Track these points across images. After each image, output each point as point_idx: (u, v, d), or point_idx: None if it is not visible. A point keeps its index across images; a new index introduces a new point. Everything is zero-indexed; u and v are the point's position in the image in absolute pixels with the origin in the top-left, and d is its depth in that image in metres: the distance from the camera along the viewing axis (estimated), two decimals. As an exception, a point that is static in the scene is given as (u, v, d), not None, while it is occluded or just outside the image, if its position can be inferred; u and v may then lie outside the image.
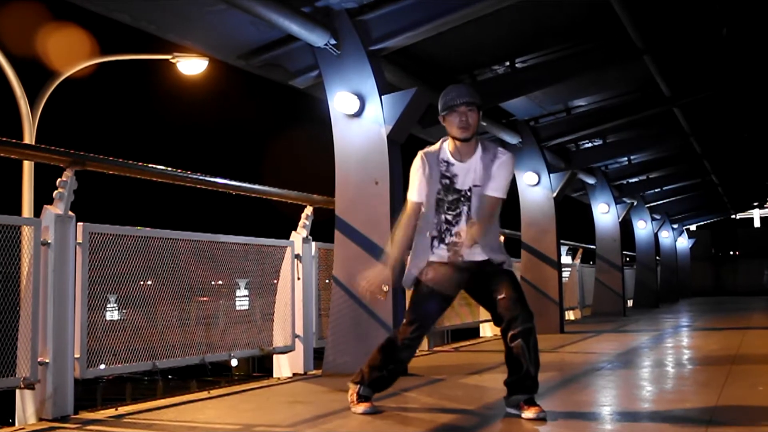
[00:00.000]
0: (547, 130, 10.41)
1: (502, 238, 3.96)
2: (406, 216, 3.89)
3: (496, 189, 3.78)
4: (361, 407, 3.96)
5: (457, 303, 8.87)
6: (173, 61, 11.19)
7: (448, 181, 3.81)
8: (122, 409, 4.21)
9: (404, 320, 3.97)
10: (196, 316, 5.04)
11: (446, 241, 3.82)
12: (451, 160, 3.81)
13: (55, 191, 4.03)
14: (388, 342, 4.03)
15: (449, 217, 3.81)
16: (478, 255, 3.82)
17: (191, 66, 11.26)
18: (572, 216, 16.37)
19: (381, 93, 5.64)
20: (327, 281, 6.17)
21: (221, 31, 5.93)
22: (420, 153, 3.89)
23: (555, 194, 10.23)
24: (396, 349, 3.95)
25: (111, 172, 4.58)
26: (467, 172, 3.78)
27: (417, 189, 3.86)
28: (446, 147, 3.85)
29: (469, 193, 3.78)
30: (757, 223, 38.79)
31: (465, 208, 3.78)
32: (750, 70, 9.53)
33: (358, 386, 4.01)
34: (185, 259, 4.90)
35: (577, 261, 14.34)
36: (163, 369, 4.77)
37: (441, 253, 3.85)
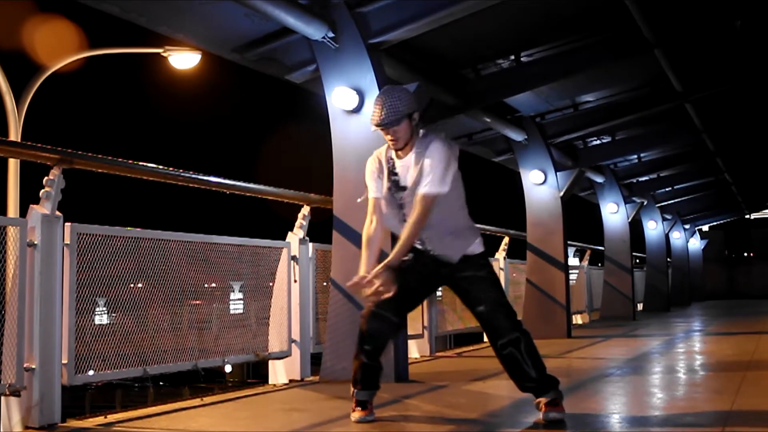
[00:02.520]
0: (553, 127, 10.41)
1: (470, 224, 3.93)
2: (368, 214, 3.97)
3: (425, 185, 3.77)
4: (355, 415, 3.96)
5: (459, 307, 8.88)
6: (165, 54, 11.18)
7: (396, 178, 3.88)
8: (112, 417, 4.21)
9: None
10: (188, 320, 5.04)
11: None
12: (394, 156, 3.91)
13: (42, 190, 4.02)
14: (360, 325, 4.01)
15: (405, 213, 3.84)
16: (438, 250, 3.84)
17: (183, 60, 11.24)
18: (580, 216, 16.37)
19: (381, 88, 5.62)
20: (325, 284, 6.17)
21: (214, 23, 5.93)
22: (375, 152, 4.00)
23: (562, 193, 10.23)
24: (364, 323, 3.95)
25: (100, 171, 4.58)
26: (407, 169, 3.85)
27: (374, 185, 3.94)
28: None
29: (409, 189, 3.82)
30: (772, 224, 38.78)
31: (409, 203, 3.83)
32: (765, 63, 9.53)
33: (353, 389, 4.03)
34: (177, 260, 4.90)
35: (585, 263, 14.33)
36: (155, 375, 4.77)
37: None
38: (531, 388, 3.84)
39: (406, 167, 3.85)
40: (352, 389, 4.03)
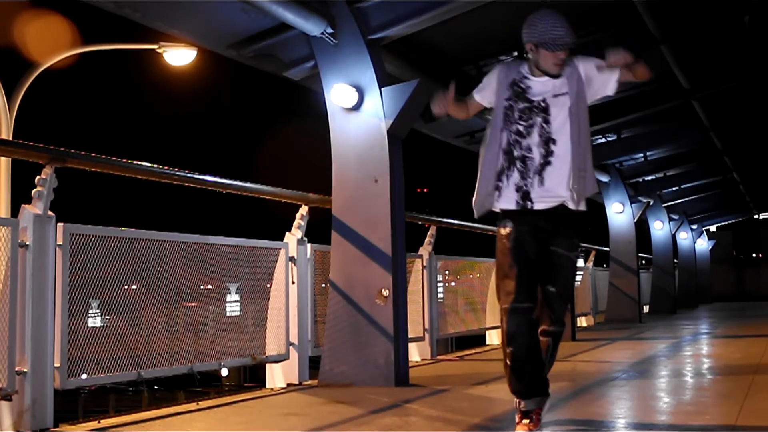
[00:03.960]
0: None
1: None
2: (466, 103, 4.06)
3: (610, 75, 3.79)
4: (521, 427, 3.62)
5: (461, 309, 8.89)
6: (160, 51, 11.18)
7: (519, 89, 3.77)
8: (105, 422, 4.21)
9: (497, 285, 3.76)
10: (183, 323, 5.05)
11: (515, 156, 3.70)
12: (527, 74, 3.79)
13: (34, 190, 4.02)
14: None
15: (520, 128, 3.72)
16: (550, 191, 3.65)
17: (179, 56, 11.24)
18: (584, 216, 16.33)
19: (381, 85, 5.64)
20: (323, 285, 6.17)
21: (210, 18, 5.93)
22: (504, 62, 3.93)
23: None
24: (505, 324, 3.64)
25: (93, 170, 4.58)
26: (543, 85, 3.75)
27: (482, 87, 3.94)
28: (525, 65, 3.83)
29: (543, 104, 3.70)
30: (781, 224, 38.79)
31: (539, 119, 3.69)
32: (774, 60, 9.53)
33: (516, 400, 3.70)
34: (172, 261, 4.90)
35: (590, 264, 14.33)
36: (149, 379, 4.77)
37: (509, 193, 3.69)
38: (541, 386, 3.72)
39: (544, 83, 3.73)
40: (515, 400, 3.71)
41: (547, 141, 3.67)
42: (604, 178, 13.90)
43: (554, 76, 3.74)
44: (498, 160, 3.73)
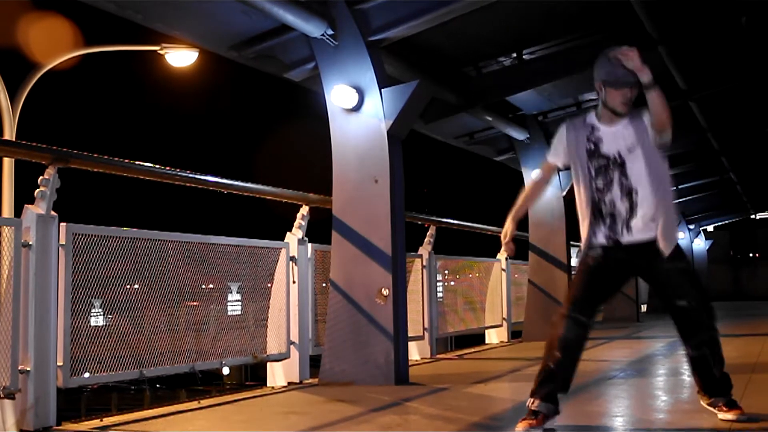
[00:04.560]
0: (556, 126, 10.33)
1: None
2: (538, 174, 4.05)
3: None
4: (521, 425, 3.68)
5: (461, 308, 8.89)
6: (161, 52, 11.18)
7: (592, 146, 3.83)
8: (108, 420, 4.21)
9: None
10: (185, 322, 5.04)
11: (603, 212, 3.80)
12: (597, 124, 3.85)
13: (37, 190, 4.02)
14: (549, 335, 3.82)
15: (599, 185, 3.81)
16: (639, 234, 3.75)
17: (180, 57, 11.25)
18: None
19: (381, 86, 5.64)
20: (324, 285, 6.17)
21: (212, 20, 5.93)
22: (570, 120, 4.01)
23: (565, 193, 10.22)
24: (559, 329, 3.74)
25: (95, 170, 4.59)
26: (616, 137, 3.80)
27: (554, 149, 3.98)
28: (592, 114, 3.90)
29: (619, 159, 3.78)
30: (778, 224, 38.77)
31: (616, 175, 3.78)
32: (770, 61, 9.53)
33: (530, 399, 3.77)
34: (174, 261, 4.90)
35: (588, 263, 14.31)
36: (151, 378, 4.77)
37: (600, 234, 3.81)
38: (718, 389, 3.86)
39: (614, 134, 3.79)
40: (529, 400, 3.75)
41: (630, 193, 3.76)
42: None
43: (621, 115, 3.80)
44: (588, 216, 3.85)
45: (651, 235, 3.75)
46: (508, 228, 3.92)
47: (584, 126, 3.87)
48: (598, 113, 3.86)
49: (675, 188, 3.95)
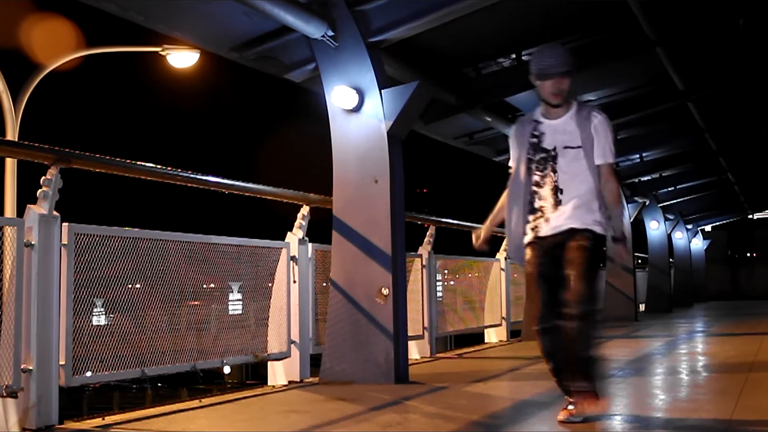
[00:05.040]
0: None
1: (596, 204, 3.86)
2: (509, 181, 4.02)
3: (605, 155, 3.84)
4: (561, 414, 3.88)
5: (460, 307, 8.89)
6: (163, 53, 11.18)
7: (536, 140, 3.89)
8: (109, 419, 4.21)
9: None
10: (186, 321, 5.04)
11: (535, 206, 3.87)
12: (540, 119, 3.92)
13: (39, 190, 4.02)
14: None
15: (537, 178, 3.87)
16: (559, 226, 3.81)
17: (182, 59, 11.25)
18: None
19: (381, 87, 5.64)
20: (324, 284, 6.17)
21: (213, 21, 5.93)
22: (519, 119, 4.07)
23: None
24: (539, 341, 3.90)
25: (97, 170, 4.58)
26: (555, 132, 3.86)
27: (511, 153, 4.03)
28: (539, 109, 3.97)
29: (554, 153, 3.83)
30: (775, 224, 38.76)
31: (549, 169, 3.84)
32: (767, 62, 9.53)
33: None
34: (175, 261, 4.90)
35: (587, 263, 14.31)
36: (153, 376, 4.77)
37: (528, 228, 3.89)
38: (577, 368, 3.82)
39: (556, 129, 3.85)
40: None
41: (555, 190, 3.82)
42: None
43: (555, 106, 3.86)
44: (523, 214, 3.90)
45: (568, 226, 3.80)
46: (482, 231, 4.09)
47: (530, 122, 3.95)
48: (542, 108, 3.95)
49: (622, 201, 3.94)
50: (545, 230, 3.84)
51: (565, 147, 3.81)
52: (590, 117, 3.85)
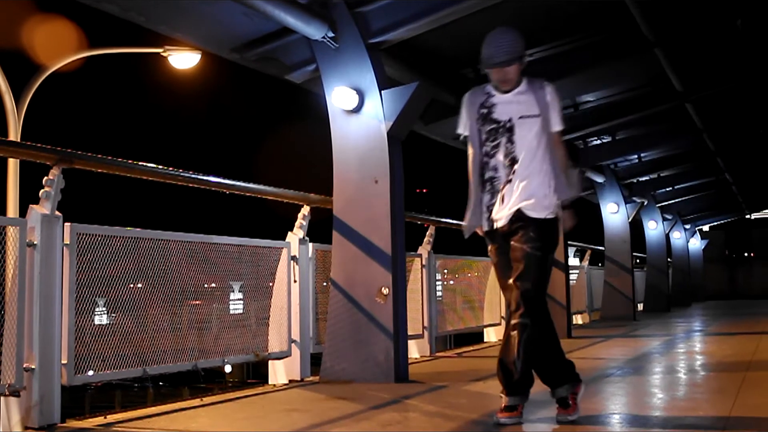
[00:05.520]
0: None
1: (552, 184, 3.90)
2: (469, 152, 4.01)
3: (557, 123, 3.91)
4: (501, 416, 3.90)
5: (460, 307, 8.89)
6: (164, 54, 11.19)
7: (485, 111, 3.91)
8: (111, 417, 4.21)
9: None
10: (188, 321, 5.04)
11: (486, 177, 3.89)
12: (493, 92, 3.93)
13: (42, 190, 4.02)
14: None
15: (488, 149, 3.90)
16: (511, 203, 3.82)
17: (183, 60, 11.25)
18: (580, 216, 16.32)
19: (381, 88, 5.64)
20: (324, 284, 6.17)
21: (214, 23, 5.93)
22: (472, 89, 4.05)
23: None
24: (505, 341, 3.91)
25: (99, 171, 4.58)
26: (508, 104, 3.88)
27: (461, 120, 4.04)
28: (491, 83, 3.97)
29: (509, 124, 3.85)
30: (772, 224, 38.75)
31: (503, 140, 3.86)
32: (766, 63, 9.52)
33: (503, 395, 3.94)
34: (177, 261, 4.90)
35: (585, 263, 14.33)
36: (154, 375, 4.77)
37: (485, 215, 3.90)
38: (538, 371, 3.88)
39: (509, 101, 3.87)
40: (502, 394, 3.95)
41: (512, 161, 3.82)
42: (599, 179, 13.90)
43: (504, 92, 3.89)
44: (478, 186, 3.92)
45: (521, 205, 3.81)
46: (465, 221, 3.99)
47: (482, 93, 3.96)
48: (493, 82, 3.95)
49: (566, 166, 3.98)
50: (499, 214, 3.83)
51: (521, 117, 3.84)
52: (543, 87, 3.91)
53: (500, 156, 3.85)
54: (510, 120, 3.85)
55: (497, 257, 3.94)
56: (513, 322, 3.79)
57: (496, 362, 3.91)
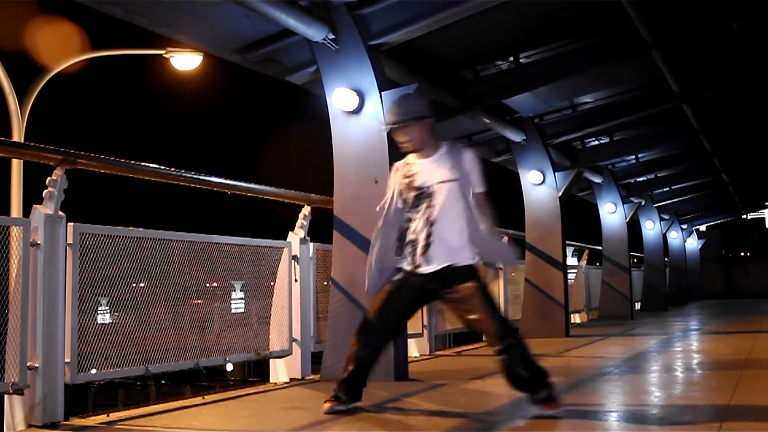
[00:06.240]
0: (552, 128, 10.41)
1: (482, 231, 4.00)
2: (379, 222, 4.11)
3: (480, 184, 3.99)
4: (326, 405, 4.10)
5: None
6: (166, 56, 11.18)
7: (408, 180, 4.01)
8: (114, 415, 4.21)
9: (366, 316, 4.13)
10: (190, 320, 5.04)
11: (407, 240, 3.98)
12: (412, 159, 4.05)
13: (45, 190, 4.02)
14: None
15: (410, 215, 3.99)
16: (434, 261, 3.92)
17: (185, 61, 11.25)
18: (578, 216, 16.36)
19: (381, 89, 5.63)
20: (325, 283, 6.17)
21: (216, 25, 5.93)
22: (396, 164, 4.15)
23: (560, 193, 10.22)
24: (354, 344, 4.14)
25: (102, 171, 4.58)
26: (430, 170, 3.97)
27: (388, 191, 4.11)
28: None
29: (430, 190, 3.94)
30: (768, 224, 38.76)
31: (424, 205, 3.95)
32: (762, 65, 9.53)
33: (336, 387, 4.17)
34: (179, 260, 4.90)
35: (583, 262, 14.33)
36: (156, 374, 4.77)
37: (404, 261, 4.01)
38: (527, 387, 3.93)
39: (428, 167, 3.97)
40: (337, 386, 4.17)
41: (431, 223, 3.91)
42: (598, 179, 13.91)
43: (408, 153, 4.02)
44: (386, 251, 4.03)
45: (446, 263, 3.91)
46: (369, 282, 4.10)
47: (405, 163, 4.07)
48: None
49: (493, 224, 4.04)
50: (421, 264, 3.92)
51: (440, 182, 3.93)
52: (461, 153, 4.01)
53: (421, 220, 3.94)
54: (429, 186, 3.95)
55: (397, 285, 4.00)
56: (500, 347, 3.88)
57: (353, 365, 4.13)
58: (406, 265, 3.99)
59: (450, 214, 3.91)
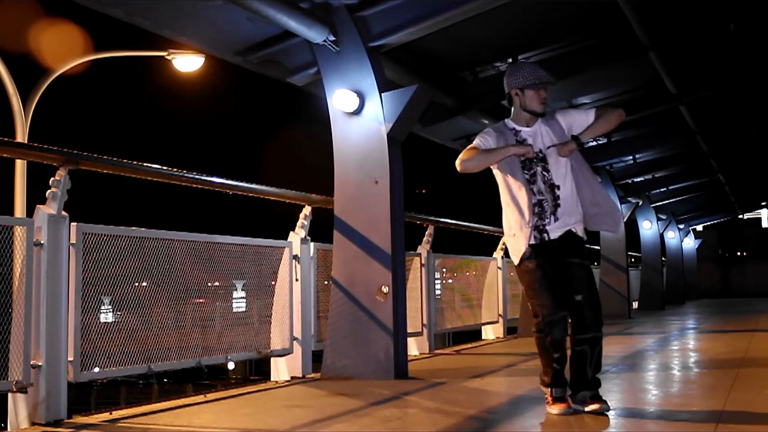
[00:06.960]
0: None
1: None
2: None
3: (587, 113, 4.06)
4: (556, 408, 3.95)
5: (458, 305, 8.89)
6: (169, 57, 11.18)
7: (519, 143, 4.03)
8: (117, 414, 4.22)
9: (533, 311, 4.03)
10: (192, 319, 5.04)
11: (531, 200, 3.97)
12: (518, 127, 4.08)
13: (48, 191, 4.03)
14: (537, 340, 4.00)
15: (528, 177, 4.01)
16: (560, 224, 3.96)
17: (187, 63, 11.24)
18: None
19: (381, 90, 5.64)
20: (326, 282, 6.17)
21: (217, 27, 5.93)
22: (487, 128, 4.14)
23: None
24: (542, 339, 3.95)
25: (105, 171, 4.59)
26: (536, 136, 4.04)
27: (485, 143, 4.03)
28: (509, 121, 4.13)
29: (541, 154, 4.01)
30: (765, 224, 38.70)
31: (539, 170, 4.00)
32: (758, 66, 9.53)
33: (549, 389, 4.02)
34: (181, 260, 4.90)
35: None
36: (159, 372, 4.77)
37: (532, 232, 3.97)
38: (589, 385, 3.97)
39: (537, 134, 4.03)
40: (546, 388, 4.02)
41: (552, 187, 3.98)
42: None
43: (540, 115, 4.06)
44: (521, 211, 3.99)
45: (569, 227, 3.98)
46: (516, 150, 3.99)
47: (508, 130, 4.09)
48: (513, 118, 4.11)
49: (600, 182, 4.10)
50: (550, 228, 3.96)
51: (549, 147, 4.01)
52: (554, 116, 4.10)
53: (540, 183, 3.99)
54: (540, 151, 4.01)
55: (540, 270, 3.94)
56: (582, 336, 3.90)
57: (557, 353, 3.91)
58: (531, 236, 3.94)
59: (566, 179, 4.00)
